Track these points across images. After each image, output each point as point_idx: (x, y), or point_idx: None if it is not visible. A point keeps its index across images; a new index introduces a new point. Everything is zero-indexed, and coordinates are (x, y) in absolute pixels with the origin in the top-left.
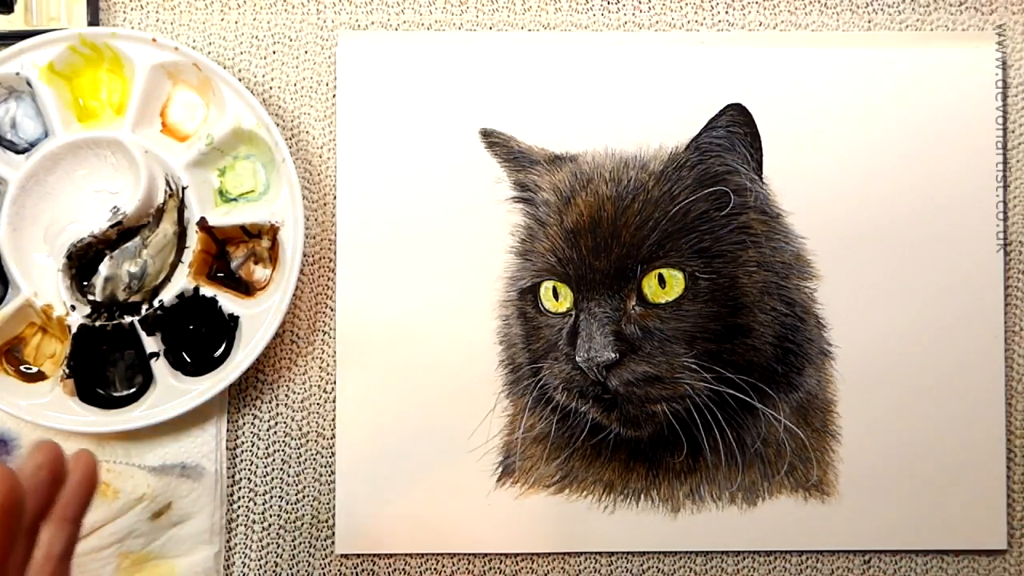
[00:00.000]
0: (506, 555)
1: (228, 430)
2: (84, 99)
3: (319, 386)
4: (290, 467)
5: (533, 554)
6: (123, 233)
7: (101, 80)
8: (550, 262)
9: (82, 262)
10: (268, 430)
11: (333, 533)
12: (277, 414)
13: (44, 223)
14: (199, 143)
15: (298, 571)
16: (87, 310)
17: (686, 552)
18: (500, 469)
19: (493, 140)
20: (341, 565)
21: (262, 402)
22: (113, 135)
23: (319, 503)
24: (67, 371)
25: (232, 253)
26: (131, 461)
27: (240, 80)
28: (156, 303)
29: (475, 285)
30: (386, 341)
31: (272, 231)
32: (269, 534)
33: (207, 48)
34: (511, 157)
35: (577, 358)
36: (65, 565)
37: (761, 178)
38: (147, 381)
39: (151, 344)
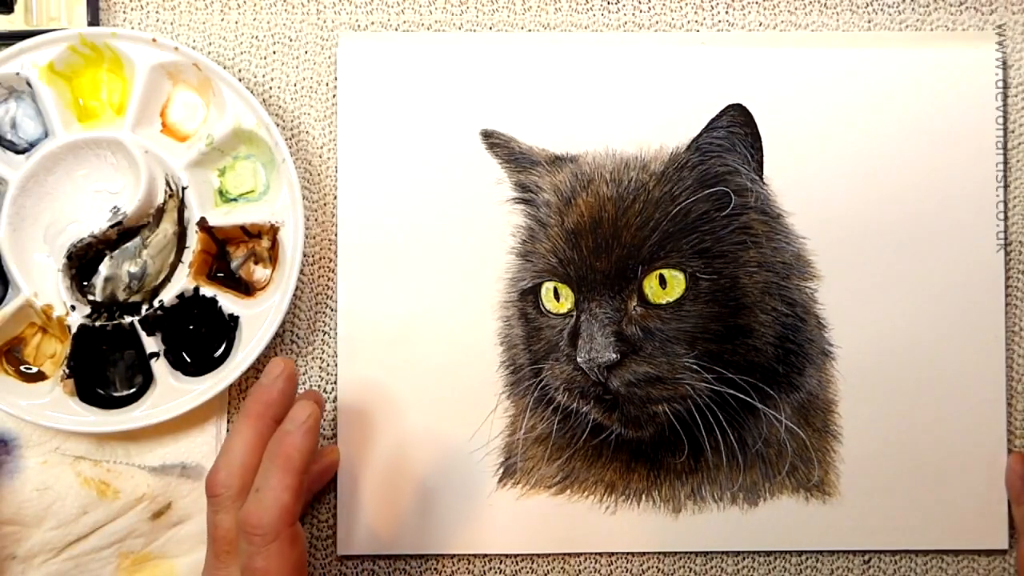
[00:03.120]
0: (507, 556)
1: (228, 430)
2: (84, 99)
3: (319, 386)
4: None
5: (534, 555)
6: (123, 233)
7: (101, 80)
8: (551, 263)
9: (82, 262)
10: None
11: (334, 534)
12: None
13: (44, 223)
14: (199, 143)
15: None
16: (87, 310)
17: (687, 552)
18: (501, 470)
19: (494, 141)
20: (342, 566)
21: None
22: (113, 135)
23: (319, 504)
24: (67, 371)
25: (232, 253)
26: (131, 461)
27: (240, 80)
28: (156, 303)
29: (476, 286)
30: (386, 342)
31: (272, 231)
32: None
33: (207, 48)
34: (512, 158)
35: (578, 359)
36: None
37: (762, 178)
38: (147, 381)
39: (151, 344)
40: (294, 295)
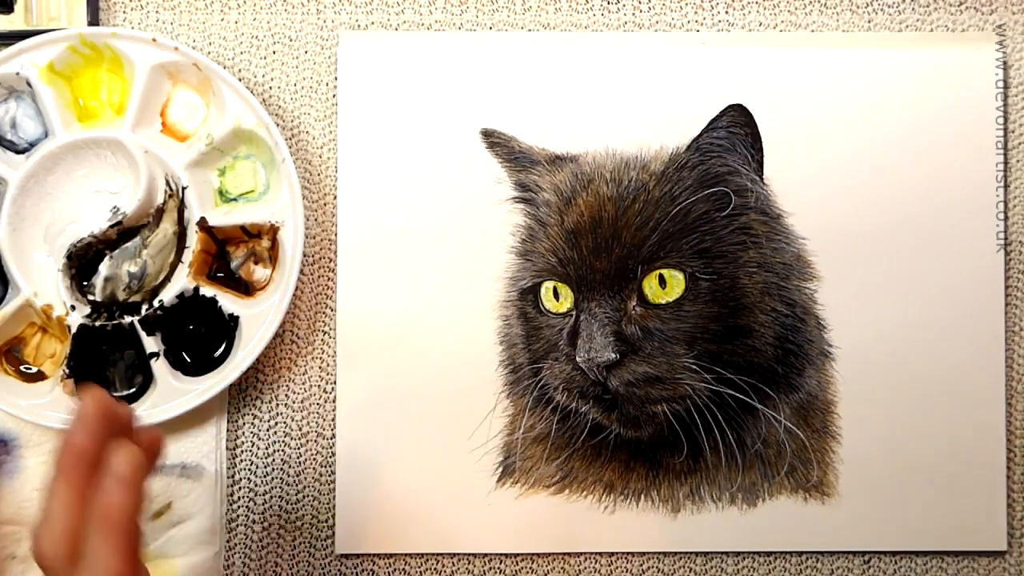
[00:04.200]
0: (506, 555)
1: (228, 430)
2: (84, 99)
3: (319, 386)
4: (290, 467)
5: (533, 554)
6: (123, 233)
7: (101, 80)
8: (551, 262)
9: (82, 262)
10: (268, 430)
11: (333, 533)
12: (277, 414)
13: (44, 223)
14: (199, 143)
15: (298, 571)
16: (87, 310)
17: (686, 552)
18: (500, 469)
19: (494, 140)
20: (341, 565)
21: (262, 402)
22: (113, 135)
23: (319, 503)
24: (67, 371)
25: (232, 253)
26: None
27: (240, 80)
28: (156, 303)
29: (476, 285)
30: (386, 341)
31: (272, 231)
32: (269, 534)
33: (207, 48)
34: (512, 157)
35: (577, 358)
36: (134, 494)
37: (762, 179)
38: (147, 381)
39: (151, 344)
40: (294, 295)
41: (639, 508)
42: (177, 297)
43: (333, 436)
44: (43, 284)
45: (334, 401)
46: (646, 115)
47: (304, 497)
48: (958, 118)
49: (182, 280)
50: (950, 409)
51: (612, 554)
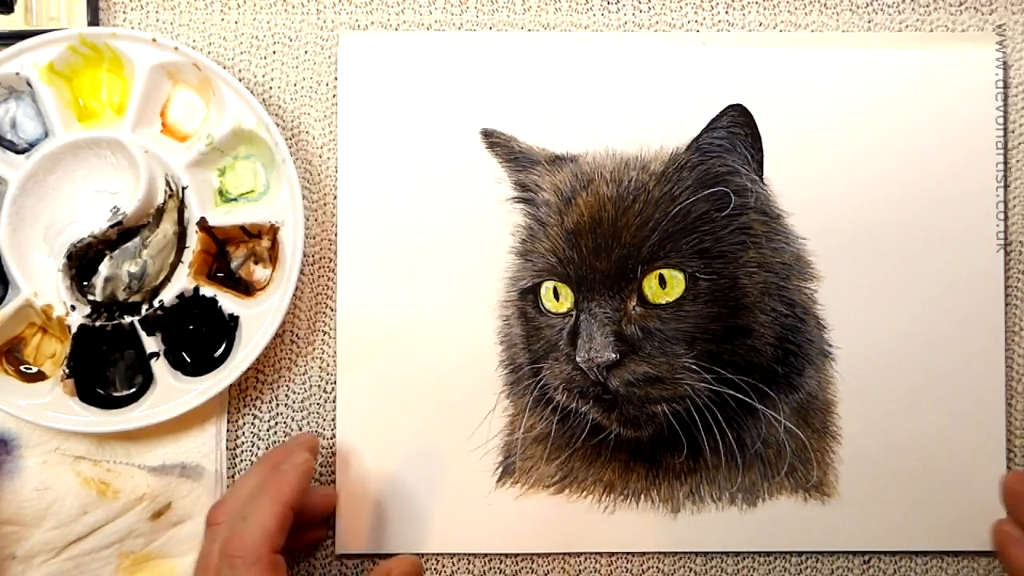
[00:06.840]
0: (506, 555)
1: (228, 430)
2: (84, 99)
3: (319, 386)
4: None
5: (533, 554)
6: (123, 233)
7: (101, 80)
8: (551, 262)
9: (82, 262)
10: (268, 430)
11: (333, 533)
12: (277, 414)
13: (44, 223)
14: (199, 143)
15: (298, 571)
16: (87, 310)
17: (686, 553)
18: (500, 469)
19: (494, 140)
20: (341, 565)
21: (262, 402)
22: (113, 135)
23: None
24: (67, 371)
25: (232, 253)
26: (131, 461)
27: (240, 80)
28: (156, 303)
29: (476, 285)
30: (386, 341)
31: (272, 231)
32: None
33: (207, 48)
34: (512, 157)
35: (577, 358)
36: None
37: (762, 179)
38: (147, 381)
39: (151, 344)
40: (294, 295)
41: (639, 508)
42: (177, 297)
43: (333, 436)
44: (43, 284)
45: (334, 401)
46: (646, 115)
47: None
48: (958, 118)
49: (182, 280)
50: (950, 409)
51: (612, 554)
